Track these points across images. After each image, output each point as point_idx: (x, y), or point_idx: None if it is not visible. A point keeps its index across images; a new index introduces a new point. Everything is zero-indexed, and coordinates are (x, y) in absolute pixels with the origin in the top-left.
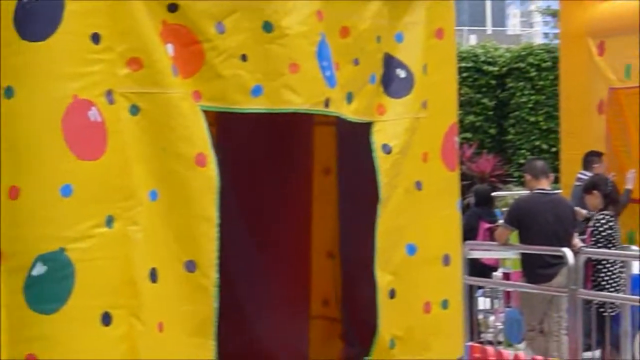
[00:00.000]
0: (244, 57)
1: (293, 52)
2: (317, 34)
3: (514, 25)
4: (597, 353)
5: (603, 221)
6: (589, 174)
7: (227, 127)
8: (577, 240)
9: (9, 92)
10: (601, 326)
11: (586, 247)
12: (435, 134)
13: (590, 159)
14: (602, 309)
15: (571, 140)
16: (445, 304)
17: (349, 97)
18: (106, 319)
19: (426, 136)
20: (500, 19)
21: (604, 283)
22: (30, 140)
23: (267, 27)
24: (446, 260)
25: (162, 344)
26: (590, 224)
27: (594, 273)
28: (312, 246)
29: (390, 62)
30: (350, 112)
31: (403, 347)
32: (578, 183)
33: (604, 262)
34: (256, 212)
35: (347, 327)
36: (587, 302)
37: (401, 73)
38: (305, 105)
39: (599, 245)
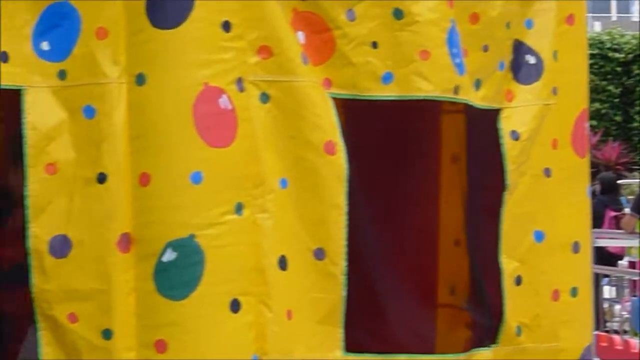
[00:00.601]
0: (374, 45)
1: (424, 39)
2: (448, 20)
3: (639, 11)
4: None
5: None
6: None
7: (354, 114)
8: None
9: (140, 79)
10: None
11: None
12: (565, 121)
13: None
14: None
15: None
16: (574, 292)
17: (477, 84)
18: (235, 306)
19: (556, 123)
20: (624, 6)
21: None
22: (160, 127)
23: (398, 13)
24: (576, 247)
25: (290, 331)
26: None
27: None
28: (439, 234)
29: (519, 49)
30: (478, 99)
31: (530, 334)
32: None
33: None
34: (383, 199)
35: (473, 315)
36: None
37: (530, 59)
38: (435, 92)
39: None
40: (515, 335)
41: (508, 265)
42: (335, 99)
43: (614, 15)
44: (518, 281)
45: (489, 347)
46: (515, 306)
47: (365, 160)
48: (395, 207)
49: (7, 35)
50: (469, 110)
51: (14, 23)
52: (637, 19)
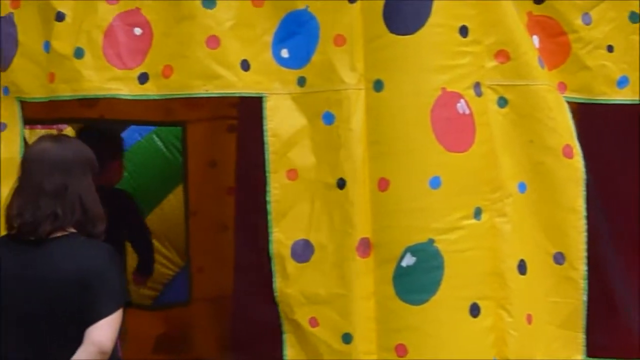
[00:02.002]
0: (609, 48)
1: None
2: None
3: None
4: None
5: None
6: None
7: (589, 118)
8: None
9: (378, 86)
10: None
11: None
12: None
13: None
14: None
15: None
16: None
17: None
18: (474, 310)
19: None
20: None
21: None
22: (399, 133)
23: (633, 17)
24: None
25: (530, 335)
26: None
27: None
28: None
29: None
30: None
31: None
32: None
33: None
34: (616, 203)
35: None
36: None
37: None
38: None
39: None
40: None
41: None
42: (569, 102)
43: None
44: None
45: None
46: None
47: (599, 164)
48: (627, 211)
49: (248, 43)
50: None
51: (254, 32)
52: None
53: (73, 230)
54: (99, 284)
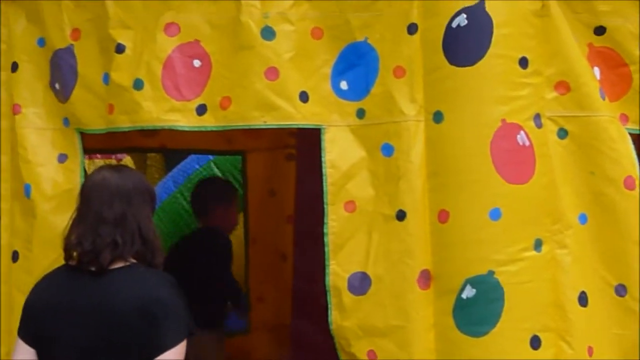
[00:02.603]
0: None
1: None
2: None
3: None
4: None
5: None
6: None
7: None
8: None
9: (438, 117)
10: None
11: None
12: None
13: None
14: None
15: None
16: None
17: None
18: (535, 342)
19: None
20: None
21: None
22: (459, 164)
23: None
24: None
25: None
26: None
27: None
28: None
29: None
30: None
31: None
32: None
33: None
34: None
35: None
36: None
37: None
38: None
39: None
40: None
41: None
42: (631, 134)
43: None
44: None
45: None
46: None
47: None
48: None
49: (307, 75)
50: None
51: (313, 63)
52: None
53: (134, 260)
54: (163, 314)
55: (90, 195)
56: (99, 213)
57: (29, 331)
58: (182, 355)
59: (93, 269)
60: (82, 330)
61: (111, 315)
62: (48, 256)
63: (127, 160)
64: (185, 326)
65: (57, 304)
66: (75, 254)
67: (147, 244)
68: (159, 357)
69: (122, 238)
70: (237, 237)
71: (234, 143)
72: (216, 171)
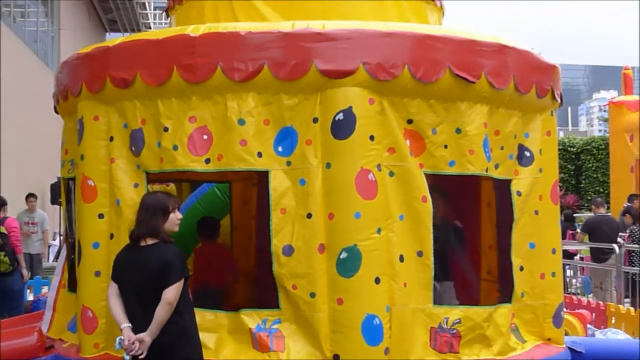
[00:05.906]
0: (446, 147)
1: (472, 144)
2: (484, 134)
3: (583, 124)
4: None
5: (635, 229)
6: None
7: (442, 184)
8: (620, 240)
9: (328, 165)
10: (632, 286)
11: (625, 244)
12: (546, 185)
13: (631, 198)
14: (634, 277)
15: (616, 188)
16: (553, 274)
17: (496, 166)
18: (377, 281)
19: (541, 186)
20: (575, 120)
21: (635, 264)
22: (339, 189)
23: (458, 130)
24: (553, 250)
25: (406, 293)
26: (627, 231)
27: (630, 257)
28: (481, 243)
29: (521, 148)
30: (497, 174)
31: (529, 297)
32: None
33: (635, 252)
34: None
35: (499, 286)
36: (626, 273)
37: (527, 154)
38: (477, 171)
39: (633, 242)
40: (520, 297)
41: (515, 260)
42: (425, 174)
43: (570, 127)
44: (521, 268)
45: (507, 303)
46: (520, 282)
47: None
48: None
49: (261, 143)
50: (494, 180)
51: (264, 137)
52: (582, 129)
53: (158, 240)
54: (169, 268)
55: (139, 208)
56: (140, 217)
57: (114, 275)
58: (180, 287)
59: (139, 244)
60: (135, 276)
61: (146, 269)
62: (125, 238)
63: (172, 186)
64: (181, 273)
65: (125, 262)
66: (131, 237)
67: (159, 235)
68: (166, 289)
69: (149, 230)
70: (226, 226)
71: (225, 177)
72: (217, 192)
